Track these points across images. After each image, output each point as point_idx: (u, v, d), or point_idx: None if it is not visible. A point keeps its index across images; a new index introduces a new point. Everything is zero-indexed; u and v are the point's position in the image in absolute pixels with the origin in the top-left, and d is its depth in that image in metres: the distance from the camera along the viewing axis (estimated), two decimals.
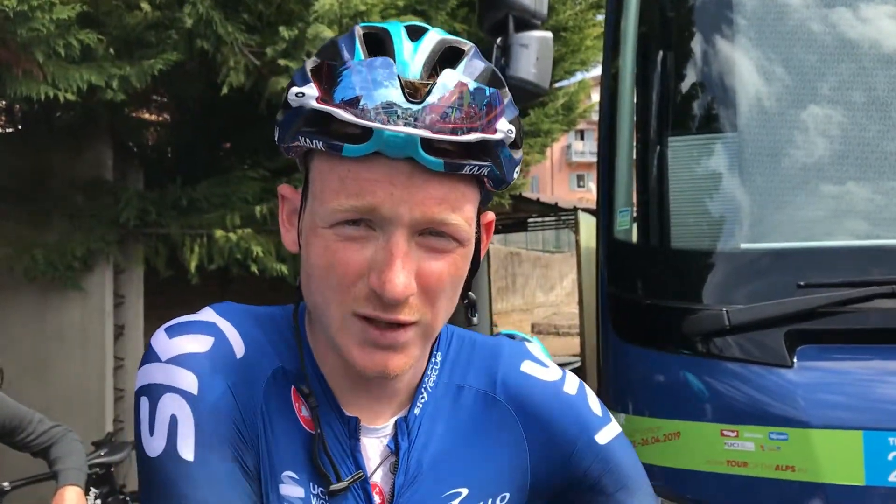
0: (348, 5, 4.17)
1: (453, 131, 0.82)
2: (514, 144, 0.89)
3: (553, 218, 15.86)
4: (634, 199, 2.62)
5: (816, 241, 2.33)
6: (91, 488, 3.62)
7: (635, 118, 2.64)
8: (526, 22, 2.74)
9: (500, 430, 1.03)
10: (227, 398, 0.91)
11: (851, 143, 2.39)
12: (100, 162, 5.45)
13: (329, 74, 0.84)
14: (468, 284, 0.96)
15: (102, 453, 3.82)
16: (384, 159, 0.82)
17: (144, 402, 0.90)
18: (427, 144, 0.81)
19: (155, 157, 6.44)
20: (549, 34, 2.80)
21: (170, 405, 0.88)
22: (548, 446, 1.04)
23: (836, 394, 2.14)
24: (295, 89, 0.85)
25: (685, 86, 2.57)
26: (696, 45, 2.57)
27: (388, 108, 0.80)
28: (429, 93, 0.82)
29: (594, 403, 1.09)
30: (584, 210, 7.22)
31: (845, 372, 2.20)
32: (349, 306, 0.86)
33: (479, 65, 0.86)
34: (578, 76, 8.44)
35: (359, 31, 0.86)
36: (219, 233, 5.03)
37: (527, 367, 1.08)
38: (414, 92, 0.81)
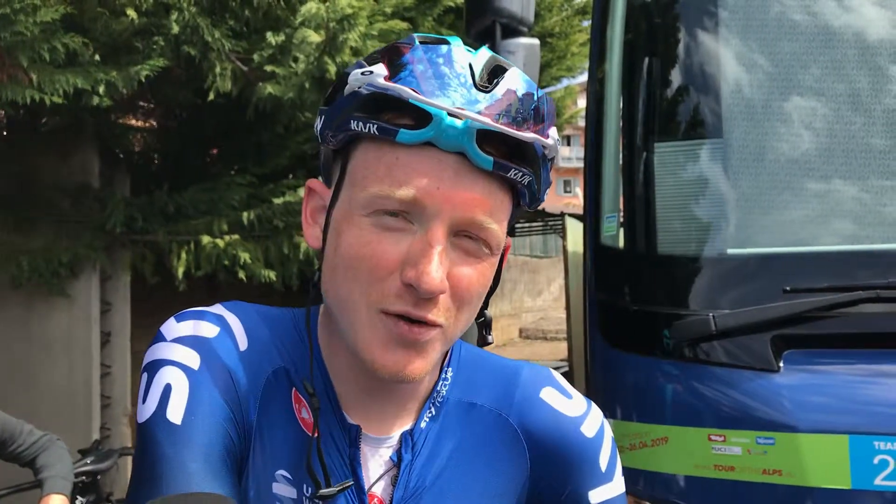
0: (335, 10, 4.17)
1: (513, 124, 0.84)
2: (551, 163, 0.92)
3: (540, 223, 15.91)
4: (621, 205, 2.62)
5: (802, 245, 2.35)
6: (77, 496, 3.59)
7: (621, 124, 2.64)
8: (513, 29, 2.75)
9: (506, 453, 1.01)
10: (227, 379, 0.91)
11: (836, 148, 2.41)
12: (86, 168, 5.42)
13: (396, 58, 0.86)
14: (485, 303, 0.96)
15: (89, 461, 3.79)
16: (434, 152, 0.83)
17: (144, 377, 0.91)
18: (479, 140, 0.82)
19: (142, 163, 6.41)
20: (536, 41, 2.82)
21: (167, 375, 0.89)
22: (546, 480, 1.01)
23: (823, 398, 2.15)
24: (362, 69, 0.86)
25: (671, 92, 2.58)
26: (682, 51, 2.58)
27: (453, 91, 0.82)
28: (496, 85, 0.84)
29: (606, 454, 1.03)
30: (571, 215, 7.23)
31: (831, 376, 2.21)
32: (377, 303, 0.85)
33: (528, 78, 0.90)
34: (565, 82, 8.48)
35: (418, 38, 0.88)
36: (206, 239, 5.01)
37: (547, 394, 1.04)
38: (479, 82, 0.84)
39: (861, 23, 2.47)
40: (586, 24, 7.25)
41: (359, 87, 0.86)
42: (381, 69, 0.85)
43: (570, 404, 1.04)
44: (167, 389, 0.88)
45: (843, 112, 2.43)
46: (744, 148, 2.44)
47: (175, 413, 0.86)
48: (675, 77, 2.58)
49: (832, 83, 2.45)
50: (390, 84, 0.83)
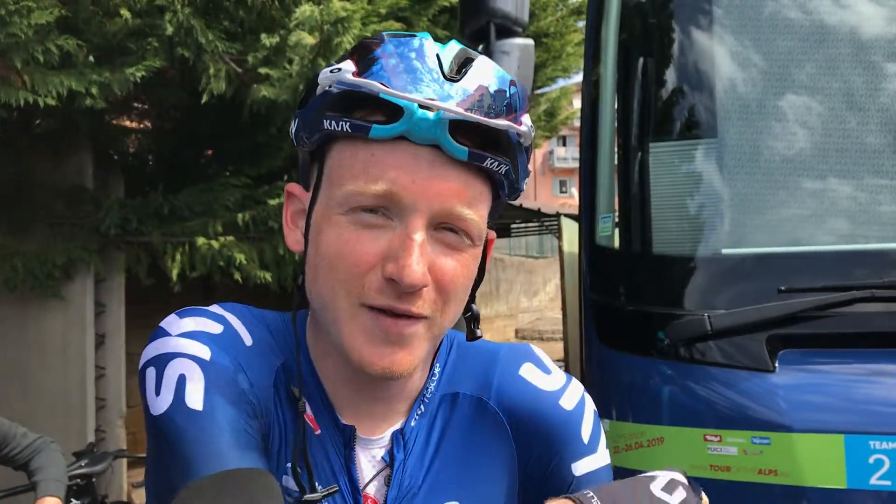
0: (329, 12, 4.16)
1: (486, 114, 0.84)
2: (527, 152, 0.91)
3: (536, 223, 15.91)
4: (616, 205, 2.62)
5: (797, 245, 2.35)
6: (72, 499, 3.58)
7: (616, 124, 2.64)
8: (507, 29, 2.74)
9: (492, 437, 1.01)
10: (238, 370, 0.90)
11: (831, 148, 2.41)
12: (80, 170, 5.41)
13: (365, 54, 0.86)
14: (471, 296, 0.96)
15: (83, 464, 3.78)
16: (408, 146, 0.83)
17: (151, 371, 0.88)
18: (453, 131, 0.82)
19: (136, 164, 6.39)
20: (531, 41, 2.81)
21: (179, 367, 0.87)
22: (532, 457, 1.01)
23: (818, 398, 2.15)
24: (331, 67, 0.86)
25: (665, 92, 2.58)
26: (677, 51, 2.58)
27: (424, 85, 0.82)
28: (465, 74, 0.85)
29: (588, 426, 1.02)
30: (567, 215, 7.23)
31: (826, 376, 2.21)
32: (359, 298, 0.85)
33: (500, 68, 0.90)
34: (560, 82, 8.47)
35: (387, 34, 0.88)
36: (201, 240, 5.00)
37: (526, 370, 1.03)
38: (449, 74, 0.84)
39: (855, 22, 2.47)
40: (581, 24, 7.24)
41: (329, 86, 0.86)
42: (349, 65, 0.85)
43: (548, 379, 1.03)
44: (182, 379, 0.86)
45: (838, 111, 2.43)
46: (738, 148, 2.45)
47: (195, 400, 0.85)
48: (670, 77, 2.58)
49: (826, 83, 2.45)
50: (359, 79, 0.83)
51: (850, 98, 2.43)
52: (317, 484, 0.92)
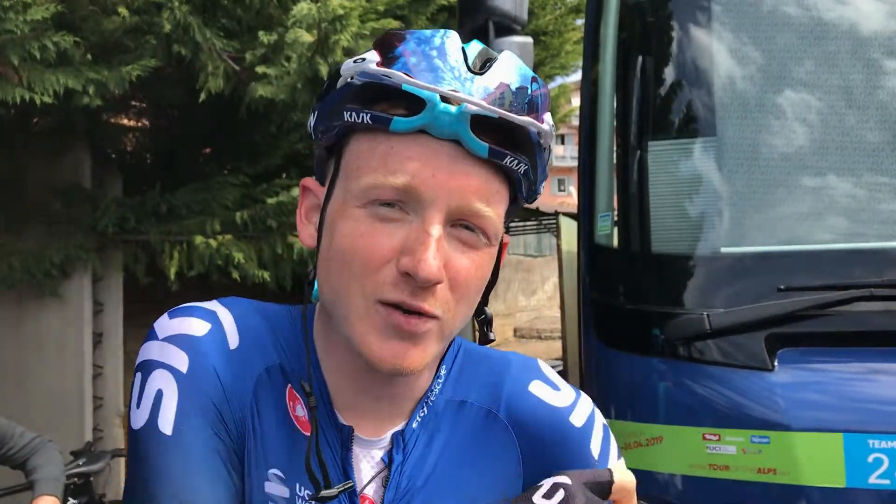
0: (326, 9, 4.15)
1: (508, 109, 0.83)
2: (547, 153, 0.91)
3: (534, 222, 15.93)
4: (615, 204, 2.62)
5: (796, 244, 2.35)
6: (69, 498, 3.57)
7: (615, 123, 2.64)
8: (506, 27, 2.75)
9: (497, 449, 1.00)
10: (214, 381, 0.91)
11: (829, 146, 2.41)
12: (78, 168, 5.40)
13: (390, 45, 0.85)
14: (484, 299, 0.95)
15: (81, 463, 3.77)
16: (428, 140, 0.82)
17: (138, 376, 0.91)
18: (474, 127, 0.82)
19: (134, 163, 6.38)
20: (529, 39, 2.81)
21: (158, 380, 0.89)
22: (541, 473, 0.97)
23: (817, 396, 2.15)
24: (353, 59, 0.86)
25: (664, 90, 2.57)
26: (675, 49, 2.58)
27: (445, 83, 0.82)
28: (488, 68, 0.84)
29: (597, 443, 1.01)
30: (566, 214, 7.22)
31: (825, 374, 2.21)
32: (373, 293, 0.84)
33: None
34: (559, 80, 8.48)
35: (409, 33, 0.88)
36: (198, 239, 4.99)
37: (535, 387, 1.02)
38: (472, 70, 0.84)
39: (853, 20, 2.47)
40: (580, 22, 7.24)
41: (351, 78, 0.85)
42: (373, 56, 0.84)
43: (558, 396, 1.03)
44: (158, 396, 0.89)
45: (837, 109, 2.43)
46: (737, 146, 2.44)
47: (166, 423, 0.87)
48: (669, 75, 2.58)
49: (825, 81, 2.45)
50: (383, 69, 0.83)
51: (849, 96, 2.43)
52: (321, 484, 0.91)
